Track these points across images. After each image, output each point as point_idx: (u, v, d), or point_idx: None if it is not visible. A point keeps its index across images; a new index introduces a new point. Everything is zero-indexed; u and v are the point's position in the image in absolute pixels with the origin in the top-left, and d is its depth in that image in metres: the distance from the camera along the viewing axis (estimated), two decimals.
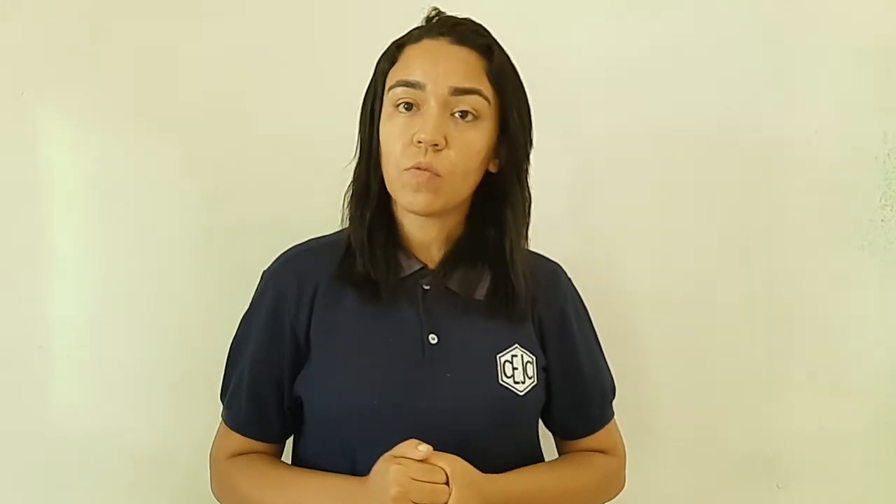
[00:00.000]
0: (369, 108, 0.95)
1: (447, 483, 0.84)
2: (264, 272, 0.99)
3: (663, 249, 1.28)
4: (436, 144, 0.88)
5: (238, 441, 0.99)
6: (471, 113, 0.90)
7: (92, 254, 1.19)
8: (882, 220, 1.29)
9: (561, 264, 1.06)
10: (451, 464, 0.85)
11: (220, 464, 1.00)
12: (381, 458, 0.86)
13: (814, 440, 1.31)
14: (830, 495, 1.32)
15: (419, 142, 0.88)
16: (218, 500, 1.00)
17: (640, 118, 1.26)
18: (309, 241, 1.01)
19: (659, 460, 1.30)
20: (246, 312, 1.00)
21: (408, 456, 0.84)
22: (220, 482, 1.00)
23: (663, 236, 1.28)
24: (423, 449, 0.84)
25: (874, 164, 1.28)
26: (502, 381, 0.94)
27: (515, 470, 0.94)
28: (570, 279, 1.05)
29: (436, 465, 0.84)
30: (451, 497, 0.83)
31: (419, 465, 0.84)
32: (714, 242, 1.29)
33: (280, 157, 1.20)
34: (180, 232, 1.19)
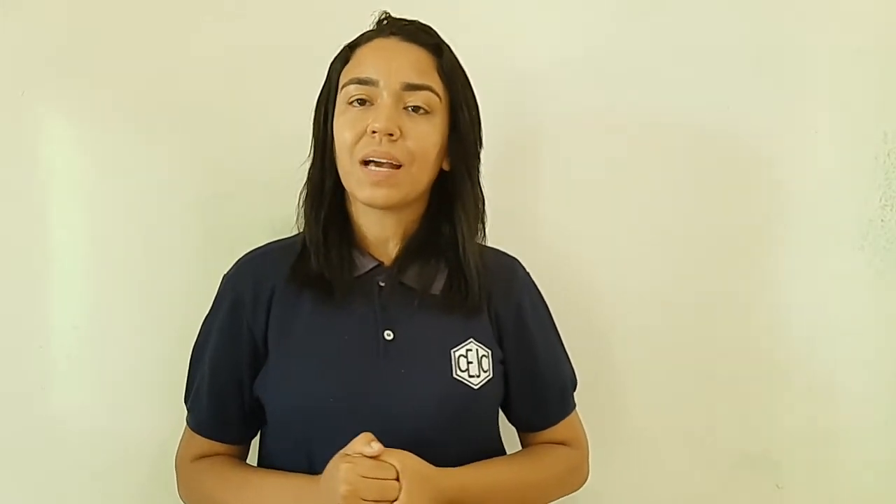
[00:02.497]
0: (323, 108, 0.97)
1: (397, 479, 0.84)
2: (224, 275, 1.01)
3: (663, 251, 1.28)
4: (391, 134, 0.90)
5: (201, 443, 1.00)
6: (422, 108, 0.92)
7: (92, 254, 1.19)
8: (882, 220, 1.29)
9: (520, 259, 1.06)
10: (400, 459, 0.86)
11: (184, 467, 1.00)
12: (333, 457, 0.86)
13: (814, 440, 1.31)
14: (830, 495, 1.32)
15: (374, 132, 0.90)
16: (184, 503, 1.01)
17: (639, 118, 1.26)
18: (267, 244, 1.03)
19: (659, 460, 1.30)
20: (206, 316, 1.01)
21: (359, 453, 0.85)
22: (185, 485, 1.01)
23: (663, 237, 1.28)
24: (376, 447, 0.85)
25: (874, 164, 1.28)
26: (457, 375, 0.94)
27: (473, 463, 0.95)
28: (527, 273, 1.06)
29: (385, 462, 0.85)
30: (402, 492, 0.84)
31: (369, 461, 0.84)
32: (714, 242, 1.29)
33: (280, 157, 1.19)
34: (180, 232, 1.19)
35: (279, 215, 1.18)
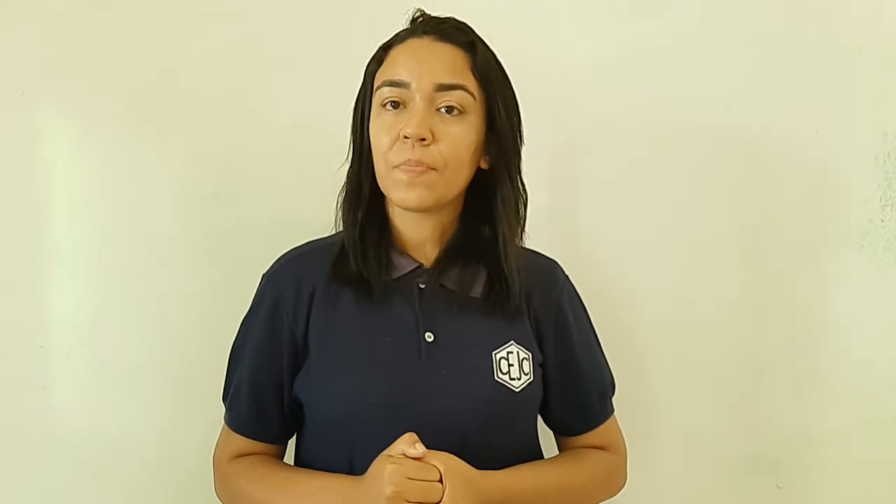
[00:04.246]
0: (360, 110, 0.96)
1: (441, 480, 0.84)
2: (263, 275, 1.00)
3: (662, 250, 1.28)
4: (422, 139, 0.89)
5: (240, 442, 1.00)
6: (456, 108, 0.91)
7: (92, 254, 1.19)
8: (882, 220, 1.29)
9: (559, 262, 1.06)
10: (444, 461, 0.86)
11: (222, 466, 1.00)
12: (377, 458, 0.86)
13: (814, 440, 1.31)
14: (830, 495, 1.32)
15: (405, 137, 0.89)
16: (221, 502, 1.01)
17: (639, 117, 1.26)
18: (307, 243, 1.02)
19: (659, 460, 1.30)
20: (246, 315, 1.00)
21: (403, 454, 0.85)
22: (223, 484, 1.00)
23: (662, 236, 1.28)
24: (420, 448, 0.85)
25: (874, 164, 1.28)
26: (498, 377, 0.94)
27: (514, 466, 0.95)
28: (567, 276, 1.06)
29: (429, 464, 0.85)
30: (445, 494, 0.84)
31: (414, 463, 0.84)
32: (713, 242, 1.29)
33: (280, 157, 1.20)
34: (180, 232, 1.19)
35: (280, 216, 1.18)
